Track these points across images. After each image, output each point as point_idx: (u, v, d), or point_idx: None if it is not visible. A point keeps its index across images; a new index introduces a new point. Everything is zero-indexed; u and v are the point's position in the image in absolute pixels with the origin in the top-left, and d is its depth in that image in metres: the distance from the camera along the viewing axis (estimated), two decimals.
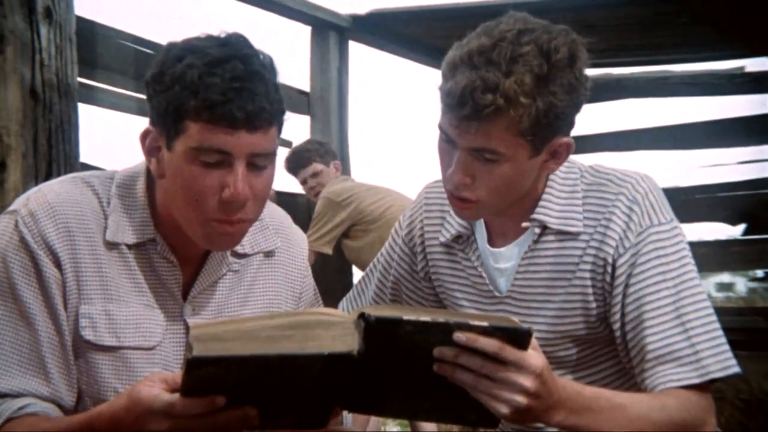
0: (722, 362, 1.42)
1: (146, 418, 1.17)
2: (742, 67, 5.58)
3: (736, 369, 1.42)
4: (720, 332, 1.43)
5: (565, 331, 1.51)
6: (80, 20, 3.16)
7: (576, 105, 1.40)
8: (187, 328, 1.41)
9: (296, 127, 4.90)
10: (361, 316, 1.15)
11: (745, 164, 5.71)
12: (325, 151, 4.48)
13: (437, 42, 4.91)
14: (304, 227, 4.14)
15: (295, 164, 4.43)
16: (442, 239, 1.61)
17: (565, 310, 1.50)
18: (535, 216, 1.50)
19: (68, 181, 1.43)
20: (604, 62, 5.49)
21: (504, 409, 1.19)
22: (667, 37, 5.04)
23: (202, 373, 1.11)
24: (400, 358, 1.19)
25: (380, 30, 5.12)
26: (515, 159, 1.39)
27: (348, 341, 1.15)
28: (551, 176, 1.51)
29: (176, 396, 1.15)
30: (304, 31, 4.98)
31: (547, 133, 1.38)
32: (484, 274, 1.56)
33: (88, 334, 1.37)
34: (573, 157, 1.53)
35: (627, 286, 1.44)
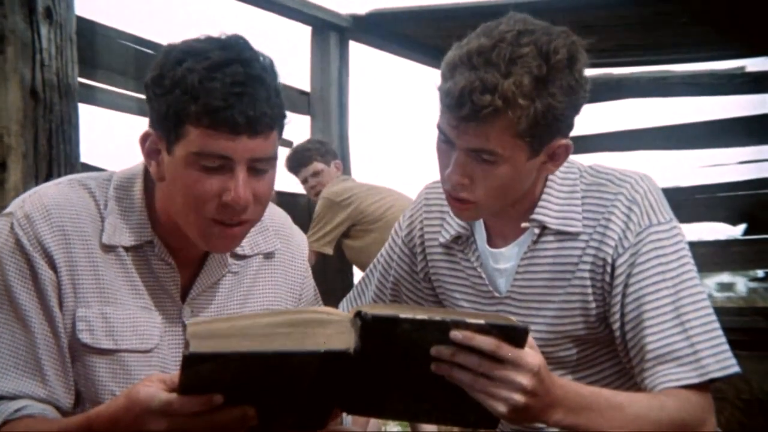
0: (722, 362, 1.42)
1: (144, 417, 1.17)
2: (742, 67, 5.57)
3: (736, 369, 1.42)
4: (719, 332, 1.43)
5: (564, 331, 1.51)
6: (80, 20, 3.16)
7: (575, 107, 1.40)
8: (185, 328, 1.41)
9: (297, 127, 4.91)
10: (358, 314, 1.16)
11: (745, 164, 5.70)
12: (326, 150, 4.49)
13: (437, 42, 4.91)
14: (305, 227, 4.14)
15: (295, 163, 4.43)
16: (441, 240, 1.61)
17: (564, 311, 1.50)
18: (534, 216, 1.50)
19: (65, 183, 1.43)
20: (605, 62, 5.48)
21: (502, 408, 1.19)
22: (667, 37, 5.03)
23: (200, 370, 1.11)
24: (398, 357, 1.19)
25: (380, 30, 5.12)
26: (513, 160, 1.39)
27: (345, 339, 1.15)
28: (550, 176, 1.51)
29: (174, 395, 1.15)
30: (305, 31, 4.99)
31: (545, 134, 1.38)
32: (483, 275, 1.56)
33: (85, 337, 1.37)
34: (572, 157, 1.53)
35: (626, 285, 1.44)
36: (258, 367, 1.13)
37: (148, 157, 1.37)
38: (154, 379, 1.20)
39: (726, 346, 1.43)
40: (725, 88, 5.54)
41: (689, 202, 5.51)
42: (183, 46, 1.32)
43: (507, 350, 1.17)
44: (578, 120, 1.44)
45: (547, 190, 1.50)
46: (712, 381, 1.42)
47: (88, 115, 3.26)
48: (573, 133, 1.46)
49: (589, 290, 1.48)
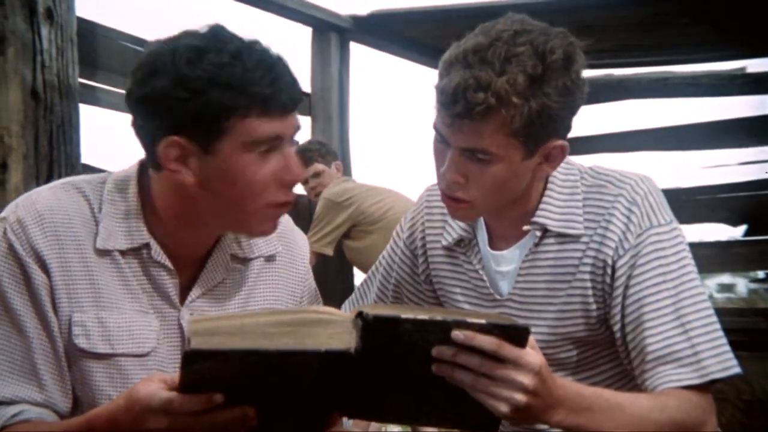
0: (722, 363, 1.42)
1: (145, 416, 1.16)
2: (743, 68, 5.57)
3: (737, 369, 1.42)
4: (720, 333, 1.43)
5: (565, 333, 1.51)
6: (81, 21, 3.16)
7: (571, 108, 1.39)
8: (183, 331, 1.41)
9: None
10: (359, 314, 1.15)
11: (746, 165, 5.70)
12: (327, 151, 4.49)
13: (438, 43, 4.89)
14: (306, 228, 4.14)
15: None
16: (444, 242, 1.61)
17: (565, 312, 1.50)
18: (535, 219, 1.50)
19: (59, 187, 1.42)
20: (605, 63, 5.48)
21: (503, 408, 1.18)
22: (668, 37, 5.03)
23: (200, 368, 1.11)
24: (399, 358, 1.18)
25: (381, 31, 5.12)
26: (508, 160, 1.38)
27: (346, 339, 1.15)
28: (551, 178, 1.50)
29: (174, 393, 1.15)
30: (305, 32, 4.99)
31: (540, 134, 1.37)
32: (485, 277, 1.55)
33: (81, 342, 1.36)
34: (573, 159, 1.53)
35: (627, 287, 1.44)
36: (258, 366, 1.13)
37: (176, 164, 1.33)
38: (154, 378, 1.20)
39: (727, 347, 1.43)
40: (726, 89, 5.54)
41: (690, 203, 5.50)
42: (184, 47, 1.29)
43: (508, 350, 1.17)
44: (578, 121, 1.44)
45: (547, 192, 1.50)
46: (713, 382, 1.42)
47: (88, 115, 3.26)
48: (573, 134, 1.46)
49: (590, 292, 1.48)
